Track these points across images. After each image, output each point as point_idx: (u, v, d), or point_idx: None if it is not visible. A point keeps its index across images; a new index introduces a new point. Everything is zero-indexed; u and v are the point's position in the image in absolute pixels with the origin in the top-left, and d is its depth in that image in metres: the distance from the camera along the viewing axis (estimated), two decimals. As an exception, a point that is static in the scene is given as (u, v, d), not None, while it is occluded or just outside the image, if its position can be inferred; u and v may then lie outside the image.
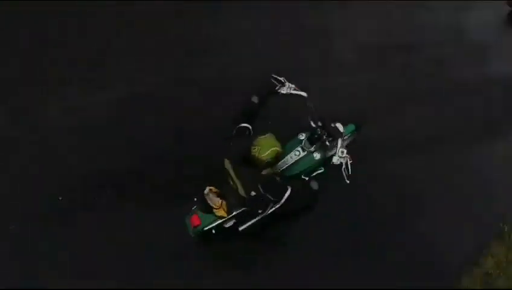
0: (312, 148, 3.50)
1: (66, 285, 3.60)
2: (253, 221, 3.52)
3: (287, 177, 3.36)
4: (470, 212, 4.30)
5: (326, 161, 3.24)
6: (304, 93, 3.15)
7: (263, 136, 2.96)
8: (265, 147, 2.92)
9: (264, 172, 3.05)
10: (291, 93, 3.11)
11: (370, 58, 5.42)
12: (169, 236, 3.76)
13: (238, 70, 4.93)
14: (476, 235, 4.17)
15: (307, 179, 3.30)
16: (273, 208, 3.36)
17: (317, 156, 3.52)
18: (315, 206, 3.79)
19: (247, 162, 2.96)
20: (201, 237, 3.57)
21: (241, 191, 2.94)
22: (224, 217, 3.30)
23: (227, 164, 3.00)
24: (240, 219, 3.50)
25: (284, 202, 2.91)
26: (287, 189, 2.89)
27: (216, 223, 3.39)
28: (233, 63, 5.03)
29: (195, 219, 3.42)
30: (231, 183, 3.01)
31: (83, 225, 3.90)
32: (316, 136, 3.42)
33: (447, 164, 4.61)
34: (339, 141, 3.11)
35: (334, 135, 3.26)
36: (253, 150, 2.91)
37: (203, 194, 3.11)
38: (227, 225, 3.49)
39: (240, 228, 3.52)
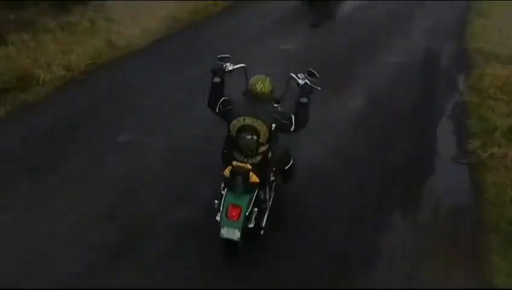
0: None
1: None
2: (266, 214, 3.55)
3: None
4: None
5: (304, 90, 3.42)
6: (243, 64, 3.66)
7: (253, 77, 3.32)
8: (263, 80, 3.26)
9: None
10: (235, 68, 3.58)
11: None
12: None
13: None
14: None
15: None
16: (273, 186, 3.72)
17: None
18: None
19: (257, 101, 3.26)
20: (246, 235, 3.12)
21: (263, 129, 3.18)
22: (257, 183, 3.21)
23: (239, 122, 3.21)
24: (259, 213, 3.32)
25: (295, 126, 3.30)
26: (291, 114, 3.30)
27: (253, 200, 3.18)
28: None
29: (233, 209, 3.03)
30: (249, 137, 3.19)
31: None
32: None
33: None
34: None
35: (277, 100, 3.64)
36: (259, 87, 3.23)
37: (226, 177, 3.21)
38: (250, 225, 3.18)
39: (262, 229, 3.43)
